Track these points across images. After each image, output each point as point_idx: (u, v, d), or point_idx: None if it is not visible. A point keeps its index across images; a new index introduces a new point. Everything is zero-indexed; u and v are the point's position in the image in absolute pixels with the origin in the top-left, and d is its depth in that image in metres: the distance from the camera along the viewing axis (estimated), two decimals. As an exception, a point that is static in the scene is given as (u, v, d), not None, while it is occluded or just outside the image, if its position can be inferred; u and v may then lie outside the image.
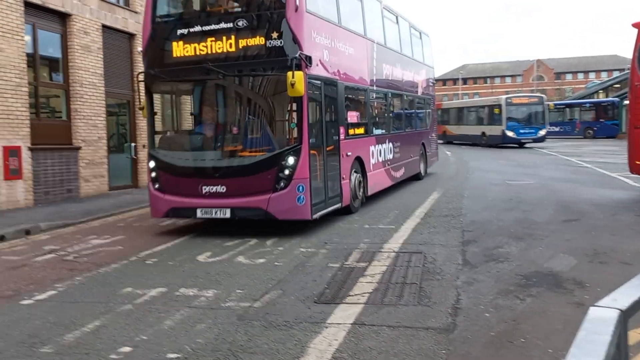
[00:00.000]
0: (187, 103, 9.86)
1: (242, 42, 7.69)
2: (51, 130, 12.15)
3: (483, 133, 31.67)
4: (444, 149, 30.64)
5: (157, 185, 8.24)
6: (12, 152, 10.72)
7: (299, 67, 7.34)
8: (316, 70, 8.05)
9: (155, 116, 8.76)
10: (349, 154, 9.21)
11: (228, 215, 7.68)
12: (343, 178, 8.87)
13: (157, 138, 8.68)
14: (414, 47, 15.10)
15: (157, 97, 9.10)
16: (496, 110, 30.20)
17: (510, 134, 29.40)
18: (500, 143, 29.87)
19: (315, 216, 7.78)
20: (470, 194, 11.99)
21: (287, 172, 7.50)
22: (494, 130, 30.35)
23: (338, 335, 4.06)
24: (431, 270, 5.79)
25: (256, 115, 8.26)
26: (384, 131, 11.76)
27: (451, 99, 74.97)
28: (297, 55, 7.40)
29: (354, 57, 10.14)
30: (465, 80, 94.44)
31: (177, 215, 8.54)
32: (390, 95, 12.34)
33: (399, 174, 12.72)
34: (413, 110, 14.75)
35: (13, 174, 10.77)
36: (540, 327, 4.16)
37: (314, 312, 4.60)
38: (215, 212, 7.72)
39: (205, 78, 8.16)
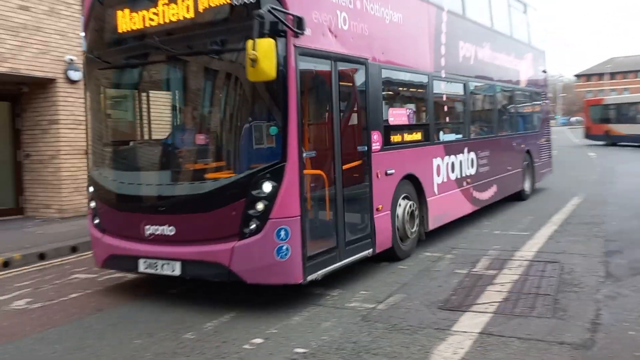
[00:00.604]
0: (152, 100, 6.54)
1: (202, 3, 5.04)
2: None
3: None
4: (587, 150, 28.30)
5: (96, 221, 5.92)
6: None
7: (280, 34, 4.67)
8: (318, 41, 5.22)
9: (108, 119, 6.32)
10: (391, 171, 6.36)
11: (177, 271, 5.16)
12: (377, 209, 6.07)
13: (105, 152, 6.21)
14: (514, 23, 11.07)
15: (114, 93, 6.55)
16: None
17: None
18: None
19: (312, 277, 4.96)
20: (616, 200, 10.96)
21: (259, 206, 4.75)
22: None
23: (464, 344, 3.96)
24: (568, 281, 5.42)
25: (218, 115, 5.52)
26: (460, 136, 8.56)
27: (595, 95, 68.80)
28: (265, 11, 4.55)
29: (403, 28, 6.93)
30: (612, 75, 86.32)
31: (117, 267, 5.91)
32: (471, 87, 8.99)
33: (487, 195, 9.39)
34: (511, 108, 11.06)
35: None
36: (697, 352, 3.72)
37: (438, 318, 4.54)
38: (162, 266, 5.25)
39: (153, 60, 5.74)
